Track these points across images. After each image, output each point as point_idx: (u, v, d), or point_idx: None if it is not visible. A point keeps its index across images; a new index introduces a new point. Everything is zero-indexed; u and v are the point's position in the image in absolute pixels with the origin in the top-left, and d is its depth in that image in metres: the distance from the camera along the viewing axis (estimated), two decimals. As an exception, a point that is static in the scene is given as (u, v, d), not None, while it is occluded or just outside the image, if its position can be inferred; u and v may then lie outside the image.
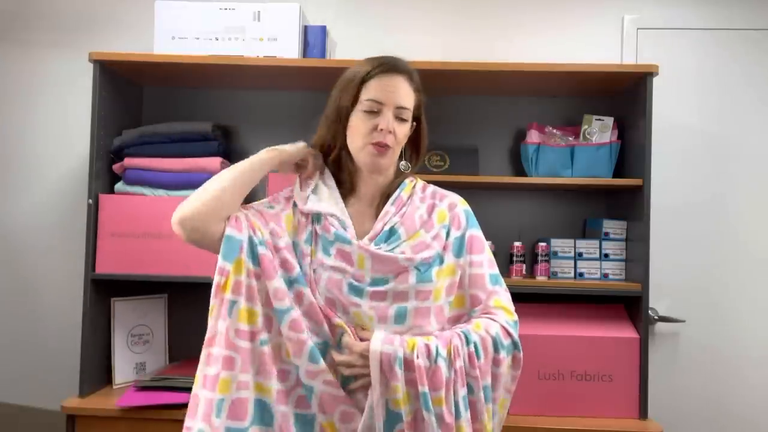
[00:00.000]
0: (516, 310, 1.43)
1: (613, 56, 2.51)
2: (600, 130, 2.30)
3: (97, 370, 2.21)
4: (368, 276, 1.35)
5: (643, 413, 2.10)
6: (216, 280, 1.33)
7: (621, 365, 2.11)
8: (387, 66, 1.40)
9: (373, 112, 1.38)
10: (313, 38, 2.28)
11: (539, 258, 2.27)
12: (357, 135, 1.40)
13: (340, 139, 1.44)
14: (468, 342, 1.33)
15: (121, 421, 2.03)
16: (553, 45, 2.51)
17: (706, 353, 2.47)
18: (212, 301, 1.33)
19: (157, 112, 2.49)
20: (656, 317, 2.45)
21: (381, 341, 1.28)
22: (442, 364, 1.28)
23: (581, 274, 2.29)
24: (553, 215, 2.46)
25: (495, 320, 1.38)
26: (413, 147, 1.50)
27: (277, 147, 1.46)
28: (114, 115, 2.27)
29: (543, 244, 2.28)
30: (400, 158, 1.48)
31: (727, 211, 2.48)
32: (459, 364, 1.30)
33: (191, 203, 1.36)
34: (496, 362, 1.34)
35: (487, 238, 2.34)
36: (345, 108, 1.41)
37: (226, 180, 1.40)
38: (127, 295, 2.30)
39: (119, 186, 2.25)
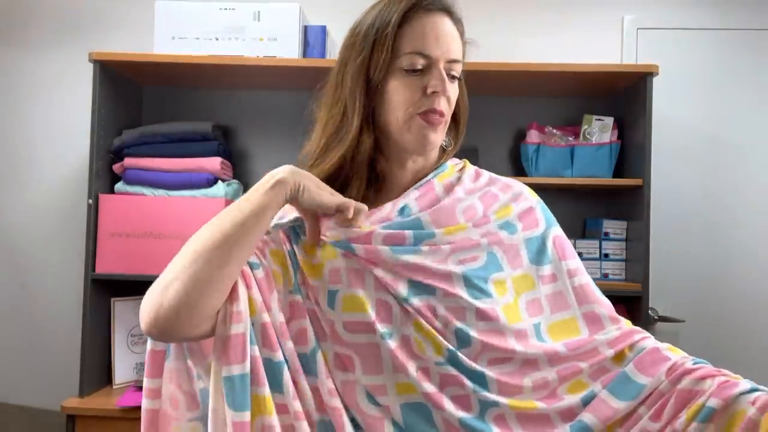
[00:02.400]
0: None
1: (613, 56, 2.51)
2: (600, 130, 2.30)
3: (97, 370, 2.21)
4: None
5: (643, 413, 2.10)
6: None
7: (621, 365, 2.11)
8: (427, 2, 1.00)
9: (417, 71, 0.98)
10: (313, 38, 2.28)
11: (539, 258, 2.27)
12: (398, 105, 0.99)
13: (360, 119, 1.01)
14: None
15: (121, 421, 2.03)
16: (553, 45, 2.51)
17: (706, 353, 2.44)
18: None
19: (157, 112, 2.49)
20: (656, 317, 2.44)
21: None
22: None
23: (581, 274, 2.28)
24: (553, 215, 2.46)
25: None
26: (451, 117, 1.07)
27: (292, 174, 0.94)
28: (114, 115, 2.27)
29: (543, 244, 2.28)
30: None
31: (727, 210, 2.48)
32: None
33: (155, 301, 0.88)
34: None
35: (487, 238, 2.37)
36: (380, 68, 0.99)
37: (207, 259, 0.89)
38: (127, 295, 2.30)
39: (119, 186, 2.25)
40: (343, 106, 1.02)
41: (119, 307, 2.28)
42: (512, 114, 2.48)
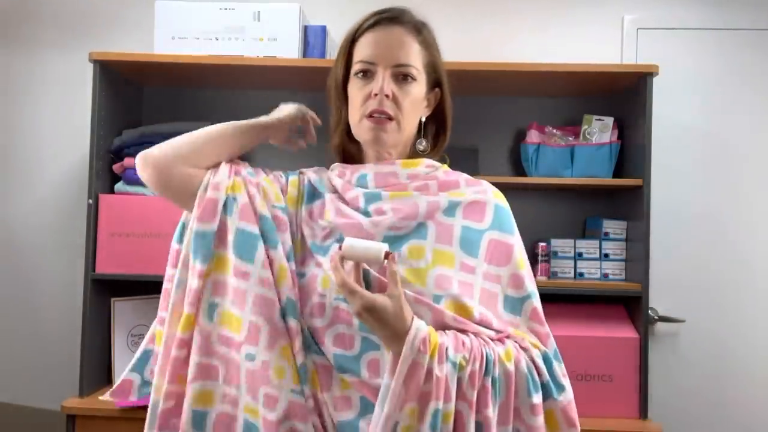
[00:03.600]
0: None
1: (613, 56, 2.50)
2: (600, 130, 2.30)
3: (97, 370, 2.21)
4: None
5: (643, 413, 2.10)
6: (181, 276, 1.13)
7: (621, 365, 2.11)
8: (381, 17, 1.14)
9: (365, 75, 1.12)
10: (313, 38, 2.28)
11: (539, 258, 2.27)
12: (353, 107, 1.14)
13: (342, 118, 1.19)
14: (487, 370, 1.00)
15: (121, 421, 2.03)
16: (553, 45, 2.51)
17: (706, 353, 2.46)
18: (173, 297, 1.13)
19: (157, 112, 2.49)
20: (656, 317, 2.44)
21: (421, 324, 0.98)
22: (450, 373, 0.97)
23: (581, 274, 2.29)
24: (553, 215, 2.46)
25: (524, 347, 1.06)
26: (435, 122, 1.20)
27: (272, 118, 1.25)
28: (114, 115, 2.27)
29: (543, 244, 2.28)
30: (420, 136, 1.18)
31: (728, 210, 2.48)
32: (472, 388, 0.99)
33: (160, 144, 1.19)
34: (533, 410, 1.02)
35: (487, 238, 2.36)
36: (340, 78, 1.17)
37: (210, 130, 1.19)
38: (127, 295, 2.30)
39: (119, 186, 2.25)
40: (333, 114, 1.22)
41: (119, 307, 2.28)
42: (512, 114, 2.48)
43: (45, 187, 2.56)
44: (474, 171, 2.37)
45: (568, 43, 2.51)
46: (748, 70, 2.49)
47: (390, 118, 1.10)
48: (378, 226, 1.08)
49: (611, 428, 2.04)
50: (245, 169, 1.18)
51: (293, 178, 1.20)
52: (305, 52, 2.27)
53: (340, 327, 1.04)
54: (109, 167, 2.26)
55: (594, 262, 2.29)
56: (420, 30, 1.16)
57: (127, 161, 2.25)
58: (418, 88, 1.13)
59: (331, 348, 1.04)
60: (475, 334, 1.04)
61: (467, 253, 1.08)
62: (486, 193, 1.16)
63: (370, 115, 1.10)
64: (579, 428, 1.07)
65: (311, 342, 1.06)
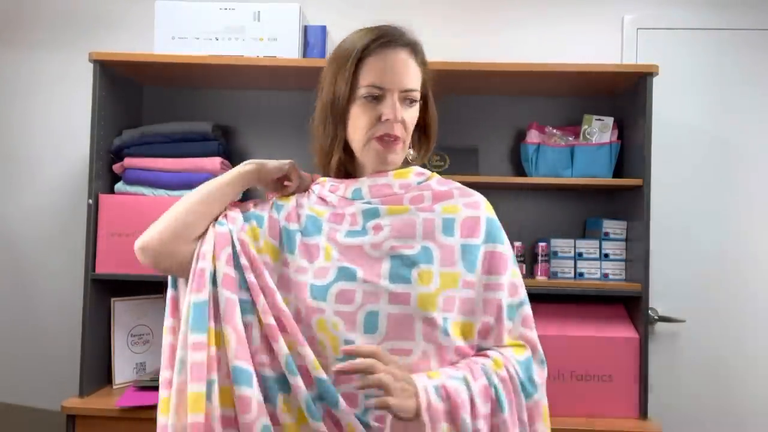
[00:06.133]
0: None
1: (613, 56, 2.50)
2: (600, 130, 2.31)
3: (97, 370, 2.21)
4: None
5: (643, 413, 2.10)
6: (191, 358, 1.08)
7: (621, 365, 2.11)
8: (385, 39, 1.17)
9: (375, 99, 1.15)
10: (313, 38, 2.28)
11: (539, 258, 2.27)
12: (358, 129, 1.17)
13: (340, 135, 1.19)
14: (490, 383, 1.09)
15: (121, 421, 2.03)
16: (554, 45, 2.51)
17: (706, 353, 2.46)
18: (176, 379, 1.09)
19: (157, 112, 2.49)
20: (656, 317, 2.44)
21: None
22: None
23: (581, 274, 2.29)
24: (553, 215, 2.46)
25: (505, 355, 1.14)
26: (420, 131, 1.26)
27: (258, 160, 1.25)
28: (114, 115, 2.27)
29: (543, 244, 2.28)
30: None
31: (727, 210, 2.48)
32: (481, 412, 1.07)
33: (152, 228, 1.22)
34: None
35: (487, 238, 2.36)
36: (343, 97, 1.17)
37: (193, 198, 1.21)
38: (127, 295, 2.30)
39: (119, 186, 2.25)
40: (323, 127, 1.21)
41: (119, 307, 2.28)
42: (512, 114, 2.48)
43: (45, 187, 2.56)
44: (474, 171, 2.38)
45: (568, 42, 2.51)
46: (748, 70, 2.49)
47: (397, 140, 1.17)
48: (379, 248, 1.13)
49: (611, 428, 2.04)
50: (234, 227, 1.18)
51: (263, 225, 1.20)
52: (305, 52, 2.27)
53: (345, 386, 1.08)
54: (109, 167, 2.26)
55: (594, 262, 2.29)
56: (417, 50, 1.20)
57: (126, 161, 2.25)
58: (417, 107, 1.20)
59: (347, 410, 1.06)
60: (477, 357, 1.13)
61: (468, 269, 1.14)
62: (478, 207, 1.21)
63: (380, 138, 1.16)
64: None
65: (325, 389, 1.07)
